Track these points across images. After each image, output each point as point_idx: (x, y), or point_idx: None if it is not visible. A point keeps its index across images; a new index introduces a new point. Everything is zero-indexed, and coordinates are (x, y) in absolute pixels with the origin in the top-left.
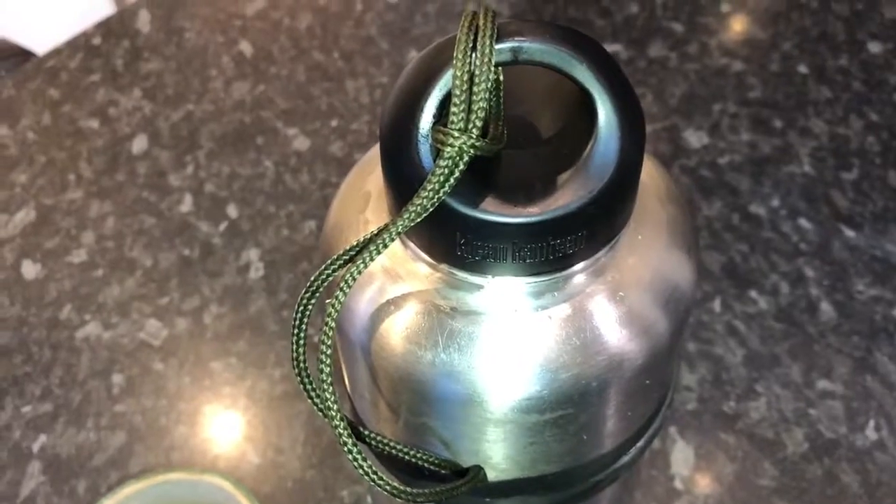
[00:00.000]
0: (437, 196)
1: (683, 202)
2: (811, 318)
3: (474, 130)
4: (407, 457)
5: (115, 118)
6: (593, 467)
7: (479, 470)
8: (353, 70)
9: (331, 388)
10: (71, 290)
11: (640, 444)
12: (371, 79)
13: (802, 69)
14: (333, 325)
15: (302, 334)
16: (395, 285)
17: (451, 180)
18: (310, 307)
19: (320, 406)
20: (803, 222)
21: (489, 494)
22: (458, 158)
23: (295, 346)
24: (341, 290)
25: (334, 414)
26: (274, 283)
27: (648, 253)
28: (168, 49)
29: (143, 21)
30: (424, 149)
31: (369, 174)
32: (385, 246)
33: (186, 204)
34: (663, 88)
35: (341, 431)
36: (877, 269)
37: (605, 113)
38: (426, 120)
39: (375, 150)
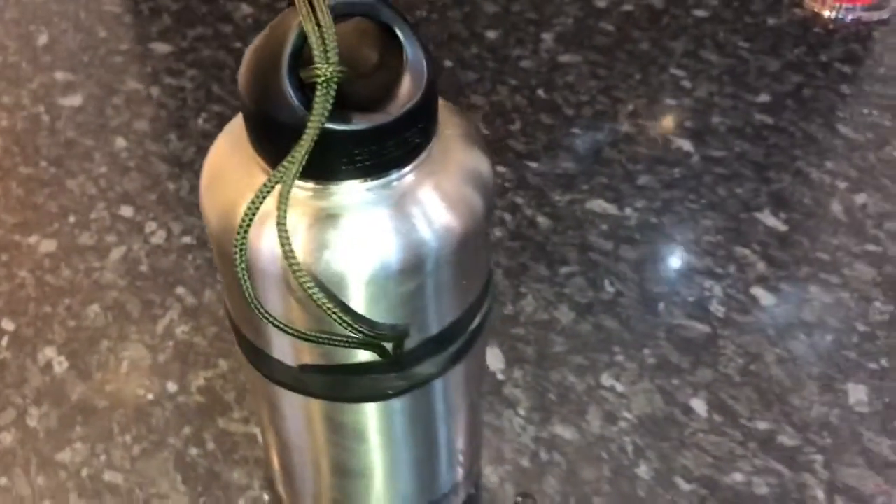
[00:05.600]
0: (323, 119)
1: (465, 114)
2: (535, 231)
3: (334, 61)
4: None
5: None
6: (466, 319)
7: (406, 327)
8: (69, 170)
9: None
10: None
11: (485, 303)
12: (90, 172)
13: (448, 63)
14: (286, 232)
15: (244, 265)
16: (295, 214)
17: (329, 104)
18: (245, 246)
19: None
20: (500, 168)
21: (408, 365)
22: (329, 84)
23: (242, 278)
24: (280, 211)
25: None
26: (83, 367)
27: (457, 149)
28: None
29: None
30: (293, 92)
31: (221, 172)
32: (301, 167)
33: None
34: None
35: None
36: (563, 182)
37: (408, 42)
38: (287, 68)
39: (209, 163)
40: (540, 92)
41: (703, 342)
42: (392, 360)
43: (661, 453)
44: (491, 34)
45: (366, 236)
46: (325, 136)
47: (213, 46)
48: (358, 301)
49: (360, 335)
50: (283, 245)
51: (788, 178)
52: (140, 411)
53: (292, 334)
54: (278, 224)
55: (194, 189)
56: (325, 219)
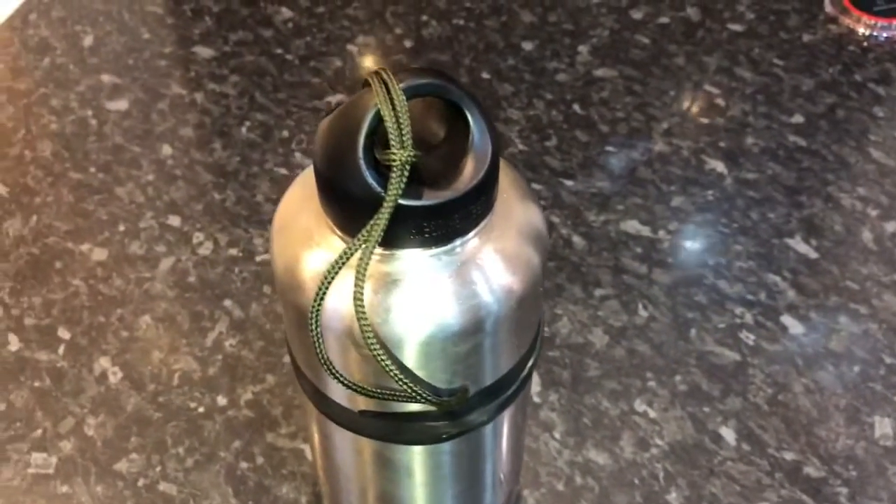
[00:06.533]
0: (396, 199)
1: (519, 174)
2: (571, 250)
3: (409, 146)
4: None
5: None
6: (518, 368)
7: (466, 388)
8: (117, 177)
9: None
10: None
11: (535, 352)
12: (138, 180)
13: (485, 75)
14: (363, 304)
15: (319, 330)
16: (371, 281)
17: (403, 184)
18: (320, 312)
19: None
20: (536, 186)
21: (461, 414)
22: (403, 167)
23: (316, 340)
24: (358, 286)
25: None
26: (136, 378)
27: (515, 208)
28: None
29: None
30: (367, 171)
31: (292, 222)
32: (377, 243)
33: (14, 343)
34: None
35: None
36: (598, 201)
37: (475, 120)
38: (363, 148)
39: (282, 210)
40: (576, 107)
41: (732, 370)
42: (447, 411)
43: (690, 481)
44: (527, 45)
45: (429, 301)
46: (395, 210)
47: (255, 52)
48: (418, 359)
49: (423, 399)
50: (359, 320)
51: (820, 204)
52: (192, 424)
53: (360, 392)
54: (355, 300)
55: (240, 200)
56: (391, 283)
